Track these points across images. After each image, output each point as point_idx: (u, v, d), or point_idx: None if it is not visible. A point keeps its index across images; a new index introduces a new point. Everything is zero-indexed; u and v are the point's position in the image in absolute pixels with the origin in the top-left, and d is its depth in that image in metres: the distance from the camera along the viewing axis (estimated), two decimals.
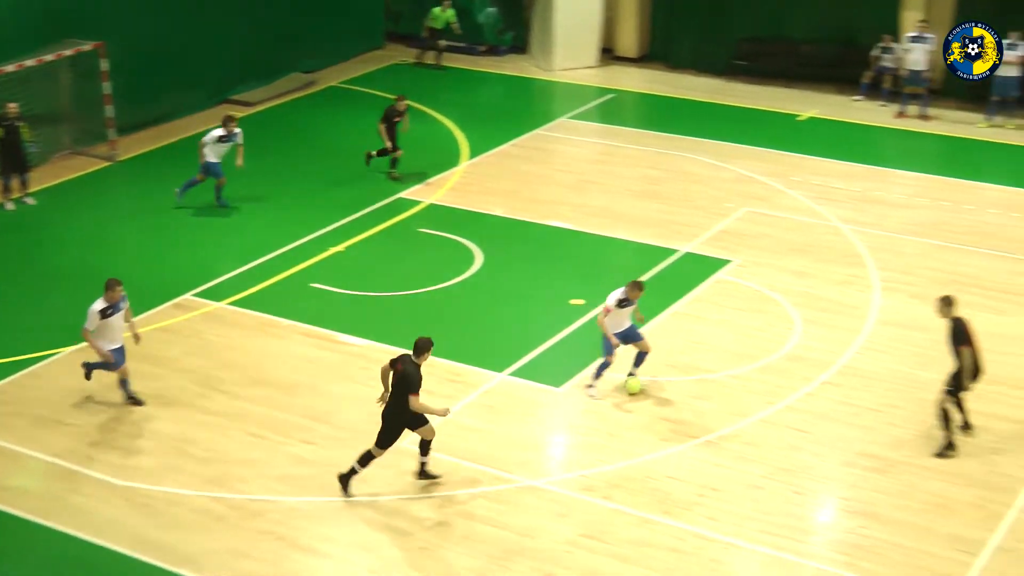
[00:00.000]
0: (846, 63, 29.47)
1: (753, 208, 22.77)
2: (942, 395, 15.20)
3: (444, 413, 14.45)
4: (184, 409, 16.34)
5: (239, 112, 27.36)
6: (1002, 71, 26.72)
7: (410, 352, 14.27)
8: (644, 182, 24.15)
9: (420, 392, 14.14)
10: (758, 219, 22.32)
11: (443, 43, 31.41)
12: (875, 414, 16.22)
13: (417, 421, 14.39)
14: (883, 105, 28.38)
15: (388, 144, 23.71)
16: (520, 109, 29.19)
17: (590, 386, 16.70)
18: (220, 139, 22.28)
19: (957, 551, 13.68)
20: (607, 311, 16.28)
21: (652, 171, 24.71)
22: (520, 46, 32.59)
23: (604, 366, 16.62)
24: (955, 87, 28.76)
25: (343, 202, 23.02)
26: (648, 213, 22.60)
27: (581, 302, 19.16)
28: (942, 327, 15.32)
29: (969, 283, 19.84)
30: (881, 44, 28.30)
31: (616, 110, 29.07)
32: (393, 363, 14.32)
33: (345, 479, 14.58)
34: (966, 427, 15.57)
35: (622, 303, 16.30)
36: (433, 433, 14.58)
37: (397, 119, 23.75)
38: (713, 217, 22.34)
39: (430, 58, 31.51)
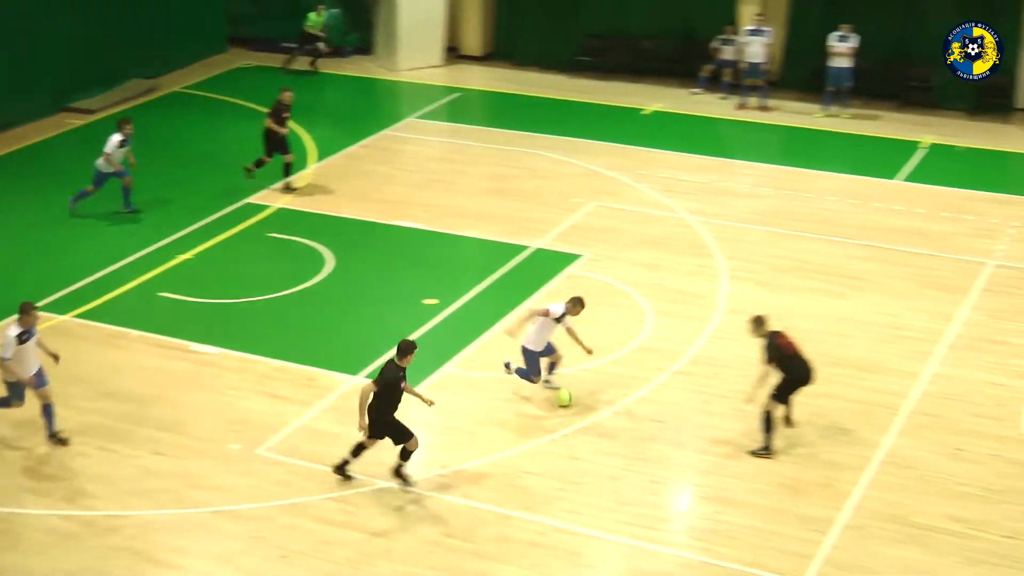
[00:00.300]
0: (687, 57, 29.99)
1: (602, 202, 23.04)
2: (768, 401, 15.34)
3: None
4: (31, 427, 15.88)
5: (79, 120, 26.83)
6: (835, 62, 27.63)
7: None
8: (493, 180, 24.27)
9: (384, 392, 14.20)
10: (607, 213, 22.60)
11: (323, 46, 31.02)
12: (726, 401, 16.54)
13: (399, 434, 14.44)
14: (723, 97, 28.97)
15: (283, 131, 23.07)
16: (367, 110, 29.09)
17: (547, 380, 16.57)
18: (121, 143, 21.79)
19: (808, 531, 14.04)
20: (546, 312, 16.05)
21: (501, 168, 24.84)
22: (364, 47, 32.44)
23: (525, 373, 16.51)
24: (792, 78, 29.53)
25: (190, 208, 22.66)
26: (498, 210, 22.72)
27: (434, 301, 19.18)
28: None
29: (811, 269, 20.39)
30: (722, 36, 28.85)
31: (463, 109, 29.15)
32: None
33: (399, 474, 14.74)
34: (788, 422, 15.82)
35: (561, 318, 16.10)
36: (416, 445, 14.59)
37: (286, 114, 23.18)
38: (562, 213, 22.54)
39: (302, 63, 30.97)
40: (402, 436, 14.50)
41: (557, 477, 14.97)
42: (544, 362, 16.47)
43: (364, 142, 26.24)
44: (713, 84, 29.32)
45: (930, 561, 13.58)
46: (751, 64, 28.28)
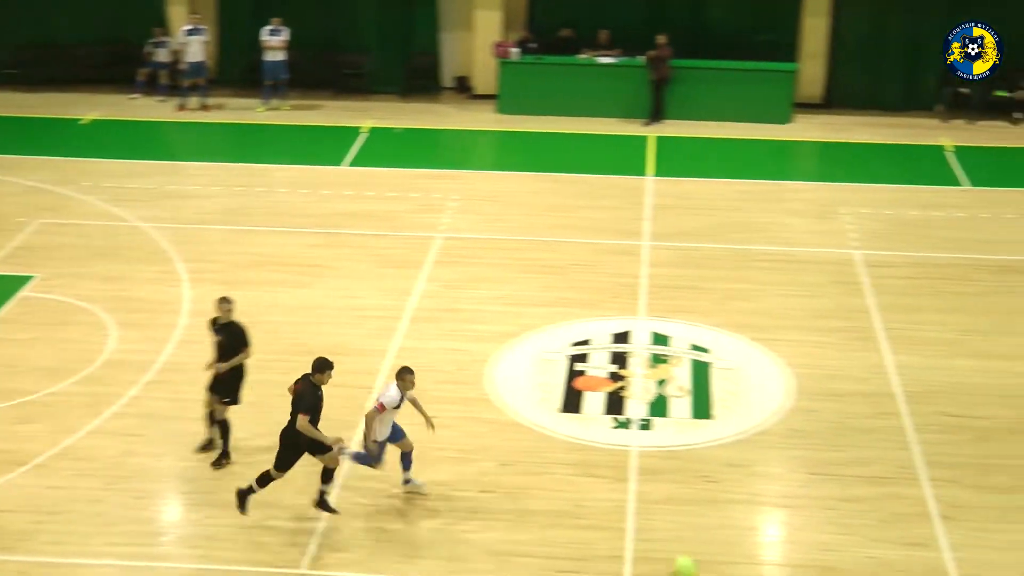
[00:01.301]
0: (122, 62, 29.44)
1: (47, 219, 22.15)
2: (221, 404, 15.08)
3: (335, 443, 13.68)
4: None
5: None
6: (269, 56, 28.05)
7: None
8: None
9: (313, 416, 13.54)
10: (55, 230, 21.76)
11: None
12: (202, 405, 16.40)
13: (316, 447, 13.63)
14: (163, 100, 28.67)
15: None
16: None
17: (408, 481, 14.68)
18: None
19: (302, 520, 14.14)
20: (380, 409, 13.99)
21: None
22: None
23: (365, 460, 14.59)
24: (229, 75, 29.68)
25: None
26: None
27: None
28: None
29: (271, 262, 20.62)
30: (153, 40, 28.50)
31: None
32: (296, 382, 13.67)
33: (243, 495, 13.99)
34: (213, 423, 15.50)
35: (400, 403, 14.11)
36: (336, 462, 13.83)
37: None
38: (6, 234, 21.46)
39: None
40: (286, 463, 13.90)
41: (34, 510, 14.27)
42: (396, 453, 14.63)
43: None
44: (151, 88, 28.95)
45: (408, 530, 14.07)
46: (191, 64, 28.14)
